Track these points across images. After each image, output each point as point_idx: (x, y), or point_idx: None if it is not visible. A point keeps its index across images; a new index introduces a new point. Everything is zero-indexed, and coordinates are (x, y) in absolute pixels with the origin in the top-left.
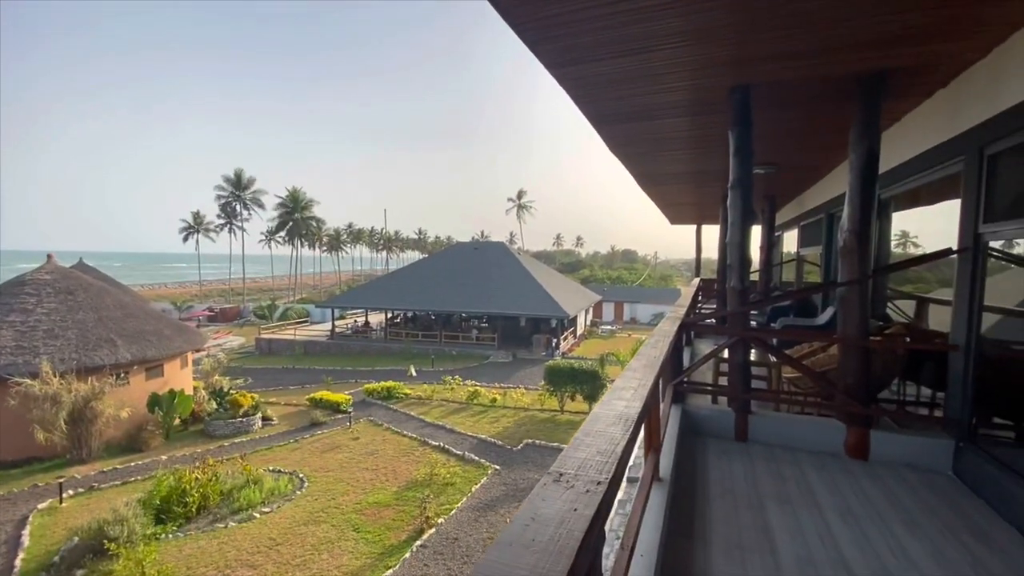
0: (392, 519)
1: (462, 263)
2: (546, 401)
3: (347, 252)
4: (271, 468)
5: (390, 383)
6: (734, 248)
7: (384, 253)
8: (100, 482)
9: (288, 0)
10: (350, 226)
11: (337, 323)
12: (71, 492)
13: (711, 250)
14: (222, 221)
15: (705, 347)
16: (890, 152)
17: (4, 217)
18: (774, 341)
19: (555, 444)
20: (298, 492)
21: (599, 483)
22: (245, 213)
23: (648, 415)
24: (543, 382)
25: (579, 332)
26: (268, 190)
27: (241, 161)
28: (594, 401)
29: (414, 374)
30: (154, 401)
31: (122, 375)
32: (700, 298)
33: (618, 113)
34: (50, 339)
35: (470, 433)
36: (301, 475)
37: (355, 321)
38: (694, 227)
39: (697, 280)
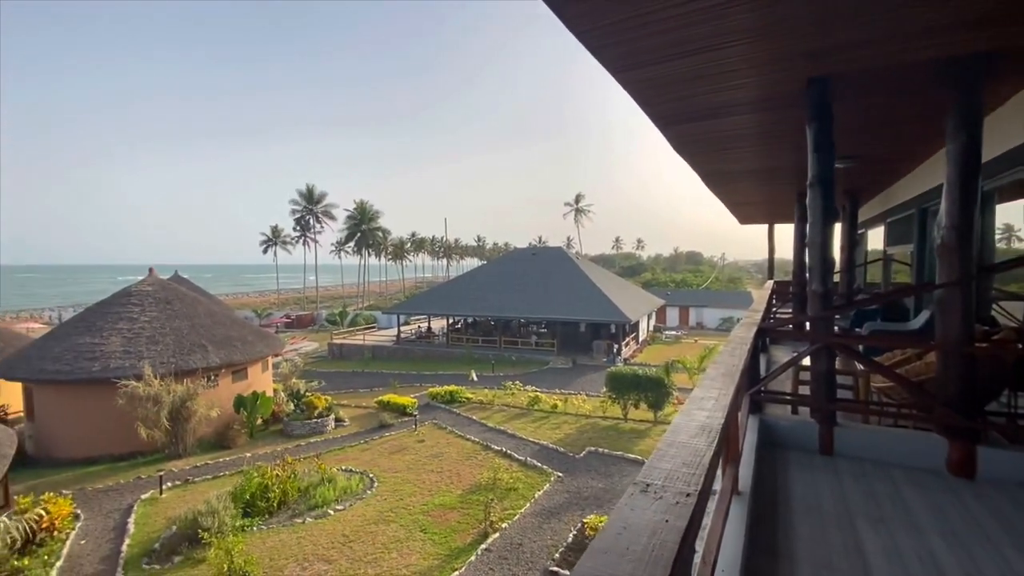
0: (457, 521)
1: (520, 269)
2: (608, 408)
3: (410, 260)
4: (343, 467)
5: (452, 387)
6: (815, 248)
7: (445, 260)
8: (194, 476)
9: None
10: (413, 235)
11: (402, 328)
12: (169, 484)
13: (785, 250)
14: (297, 233)
15: (781, 354)
16: (993, 139)
17: (115, 235)
18: (860, 348)
19: (619, 453)
20: (368, 491)
21: (688, 495)
22: (317, 226)
23: (730, 426)
24: (605, 389)
25: (641, 338)
26: (338, 203)
27: (314, 172)
28: (659, 409)
29: (475, 379)
30: (239, 402)
31: (212, 377)
32: (775, 302)
33: (683, 113)
34: (152, 344)
35: (531, 439)
36: (371, 475)
37: (419, 327)
38: (765, 227)
39: (770, 283)
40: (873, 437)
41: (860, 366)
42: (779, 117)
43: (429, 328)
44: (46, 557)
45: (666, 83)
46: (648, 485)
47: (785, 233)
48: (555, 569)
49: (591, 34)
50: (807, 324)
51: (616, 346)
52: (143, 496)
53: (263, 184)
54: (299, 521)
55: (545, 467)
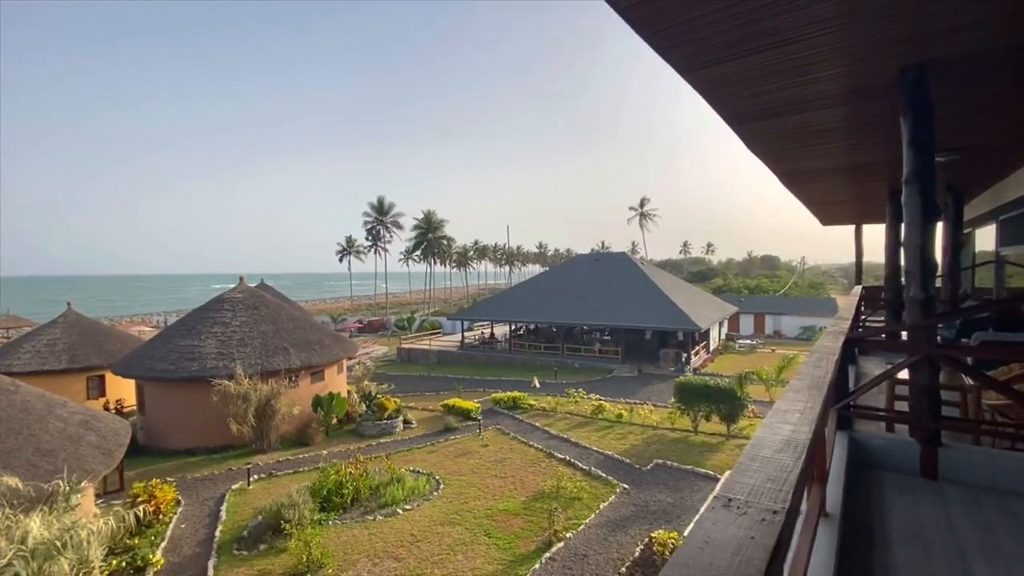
0: (521, 528)
1: (583, 275)
2: (677, 420)
3: (473, 267)
4: (411, 468)
5: (515, 393)
6: (913, 251)
7: (507, 267)
8: (276, 470)
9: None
10: (476, 243)
11: (465, 334)
12: (255, 477)
13: (875, 253)
14: (368, 243)
15: (872, 366)
16: None
17: (208, 247)
18: (968, 360)
19: (688, 467)
20: (435, 493)
21: (775, 512)
22: (387, 235)
23: (816, 442)
24: (673, 399)
25: (712, 347)
26: (405, 212)
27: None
28: (733, 423)
29: (537, 385)
30: (317, 402)
31: (293, 378)
32: (863, 309)
33: (759, 110)
34: (241, 347)
35: (596, 448)
36: (437, 477)
37: (482, 332)
38: (851, 228)
39: (859, 288)
40: (986, 461)
41: (969, 381)
42: (868, 109)
43: (492, 334)
44: (153, 538)
45: (740, 80)
46: (730, 500)
47: (875, 234)
48: None
49: (659, 35)
50: (903, 334)
51: (685, 355)
52: (233, 486)
53: (340, 197)
54: (370, 518)
55: (610, 478)
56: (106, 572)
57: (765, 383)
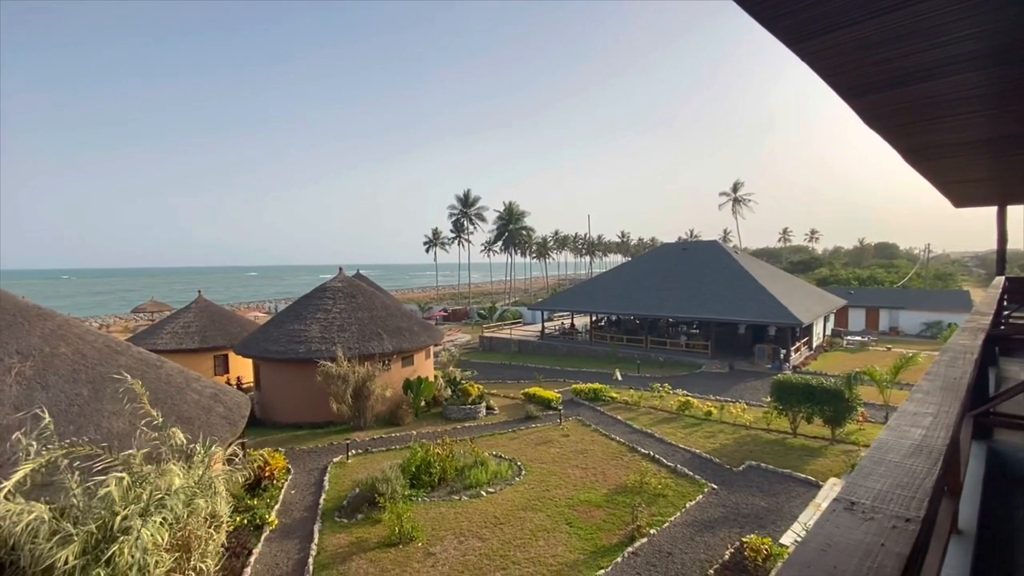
0: (603, 520)
1: (669, 265)
2: (773, 420)
3: (553, 258)
4: (494, 453)
5: (596, 385)
6: None
7: (588, 257)
8: (371, 447)
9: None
10: (556, 233)
11: (546, 324)
12: (353, 452)
13: (1020, 240)
14: (453, 235)
15: (1018, 369)
16: None
17: (306, 241)
18: None
19: (786, 470)
20: (516, 479)
21: (908, 520)
22: (471, 227)
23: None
24: (769, 398)
25: (815, 343)
26: (489, 205)
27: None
28: (838, 426)
29: (619, 378)
30: (407, 385)
31: (386, 362)
32: (1006, 303)
33: (880, 80)
34: (341, 332)
35: (682, 445)
36: (519, 463)
37: (562, 323)
38: (992, 210)
39: (1001, 279)
40: None
41: None
42: (1015, 73)
43: (572, 325)
44: (268, 501)
45: (858, 47)
46: (854, 504)
47: (1020, 216)
48: None
49: (765, 6)
50: None
51: (783, 351)
52: (334, 459)
53: (429, 189)
54: (456, 498)
55: (698, 477)
56: (231, 527)
57: (878, 384)
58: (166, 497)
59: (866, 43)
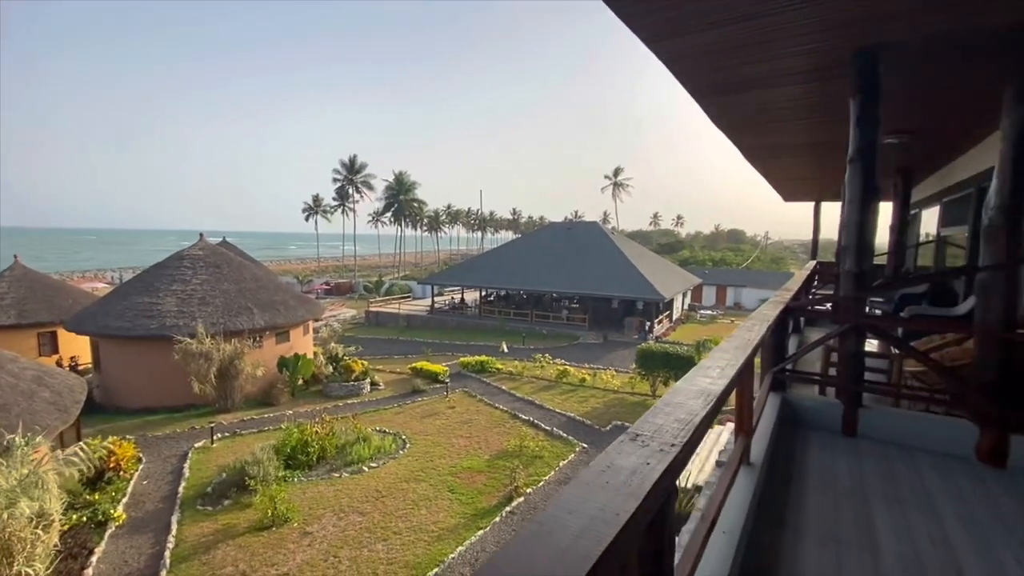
0: (484, 484)
1: (554, 243)
2: (637, 385)
3: (445, 232)
4: (378, 428)
5: (483, 357)
6: (851, 227)
7: (479, 233)
8: (240, 429)
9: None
10: (448, 207)
11: (436, 299)
12: (219, 436)
13: (832, 230)
14: (336, 203)
15: (817, 336)
16: None
17: (172, 204)
18: (899, 331)
19: None
20: (401, 452)
21: (673, 445)
22: (356, 196)
23: (741, 398)
24: (634, 365)
25: (675, 316)
26: (377, 174)
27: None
28: None
29: (506, 350)
30: (282, 363)
31: (257, 339)
32: (816, 282)
33: (723, 84)
34: (203, 305)
35: (559, 410)
36: (404, 437)
37: (452, 298)
38: (811, 205)
39: (813, 262)
40: (901, 421)
41: (895, 350)
42: (827, 89)
43: (462, 299)
44: (113, 494)
45: (702, 53)
46: (637, 435)
47: (834, 211)
48: None
49: (624, 3)
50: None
51: (648, 323)
52: (196, 445)
53: (310, 154)
54: (336, 476)
55: (571, 438)
56: (66, 525)
57: None
58: None
59: (708, 50)
